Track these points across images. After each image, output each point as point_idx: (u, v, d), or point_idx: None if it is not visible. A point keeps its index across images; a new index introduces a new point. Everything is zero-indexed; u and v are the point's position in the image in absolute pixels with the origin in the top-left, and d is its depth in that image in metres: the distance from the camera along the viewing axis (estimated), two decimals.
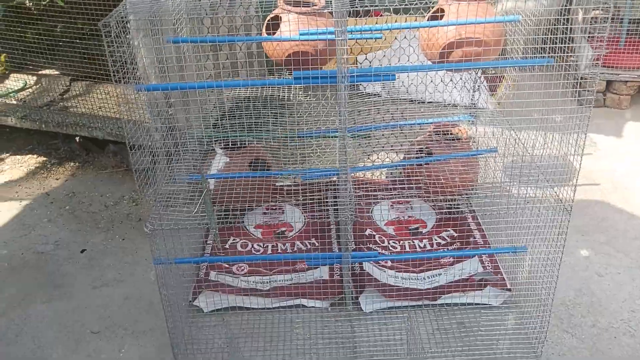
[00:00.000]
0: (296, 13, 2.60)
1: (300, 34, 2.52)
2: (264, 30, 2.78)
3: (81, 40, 3.84)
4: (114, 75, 1.91)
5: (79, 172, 3.92)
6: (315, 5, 2.69)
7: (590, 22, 4.11)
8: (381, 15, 4.68)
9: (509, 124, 2.65)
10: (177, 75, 2.88)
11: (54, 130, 3.82)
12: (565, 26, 2.17)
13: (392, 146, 3.01)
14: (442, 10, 2.66)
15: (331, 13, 2.66)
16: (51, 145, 4.20)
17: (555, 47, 2.13)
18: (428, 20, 2.72)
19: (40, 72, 4.26)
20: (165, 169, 2.56)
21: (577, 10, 4.39)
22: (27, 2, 3.91)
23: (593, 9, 4.14)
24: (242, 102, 3.18)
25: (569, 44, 2.30)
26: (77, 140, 4.10)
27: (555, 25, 2.21)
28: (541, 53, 2.26)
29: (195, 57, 2.89)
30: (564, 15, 2.45)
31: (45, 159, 4.07)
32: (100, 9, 3.56)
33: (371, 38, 2.68)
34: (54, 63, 4.04)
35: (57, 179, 3.84)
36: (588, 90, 2.03)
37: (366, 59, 4.28)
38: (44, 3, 3.81)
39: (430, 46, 2.61)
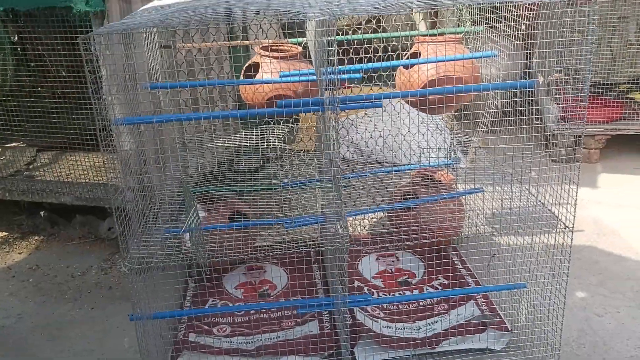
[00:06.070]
0: (275, 58, 2.59)
1: (282, 76, 2.49)
2: (242, 77, 2.75)
3: (49, 114, 3.82)
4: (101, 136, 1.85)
5: (43, 245, 3.69)
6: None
7: (553, 84, 4.25)
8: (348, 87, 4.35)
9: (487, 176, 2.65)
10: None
11: (18, 198, 3.64)
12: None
13: (378, 191, 2.93)
14: (419, 54, 2.69)
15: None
16: (14, 221, 3.98)
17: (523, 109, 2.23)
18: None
19: (5, 145, 4.12)
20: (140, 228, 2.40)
21: (536, 74, 4.55)
22: None
23: (555, 72, 4.30)
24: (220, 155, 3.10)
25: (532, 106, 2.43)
26: (42, 215, 3.91)
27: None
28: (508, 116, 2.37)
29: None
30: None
31: (6, 234, 3.84)
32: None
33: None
34: (21, 136, 3.94)
35: (19, 253, 3.60)
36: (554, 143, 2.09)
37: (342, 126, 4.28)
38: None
39: (409, 86, 2.61)
